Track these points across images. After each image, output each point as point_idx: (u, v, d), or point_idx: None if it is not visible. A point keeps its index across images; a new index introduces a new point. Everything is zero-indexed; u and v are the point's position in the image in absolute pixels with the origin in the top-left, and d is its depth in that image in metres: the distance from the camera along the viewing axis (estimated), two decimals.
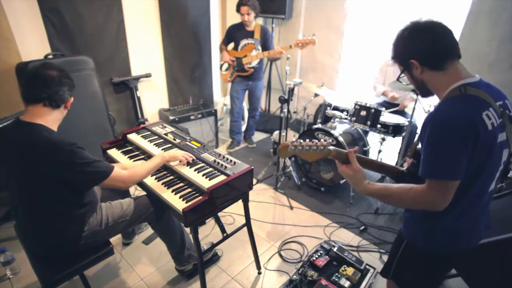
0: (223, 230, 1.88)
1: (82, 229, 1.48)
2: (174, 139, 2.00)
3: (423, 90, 1.13)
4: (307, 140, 1.15)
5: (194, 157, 1.77)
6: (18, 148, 1.30)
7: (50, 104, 1.35)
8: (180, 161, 1.73)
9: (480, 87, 1.01)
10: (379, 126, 2.73)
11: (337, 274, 1.93)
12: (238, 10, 3.23)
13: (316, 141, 1.14)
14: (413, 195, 1.02)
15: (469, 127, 0.93)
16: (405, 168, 1.21)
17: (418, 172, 1.13)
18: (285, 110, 2.71)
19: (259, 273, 2.07)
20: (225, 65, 3.47)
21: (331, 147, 1.14)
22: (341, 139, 2.64)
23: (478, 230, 1.15)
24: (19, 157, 1.30)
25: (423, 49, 1.03)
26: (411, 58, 1.04)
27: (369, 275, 1.96)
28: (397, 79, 1.18)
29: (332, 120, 2.92)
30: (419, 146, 1.14)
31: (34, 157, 1.28)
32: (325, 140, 1.15)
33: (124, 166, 1.72)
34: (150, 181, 1.69)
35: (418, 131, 2.96)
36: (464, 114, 0.94)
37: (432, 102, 2.69)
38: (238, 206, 2.00)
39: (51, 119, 1.37)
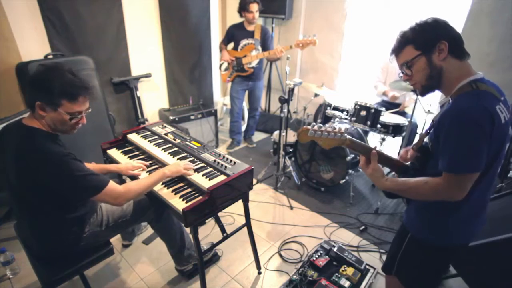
0: (223, 230, 1.88)
1: (82, 230, 1.48)
2: (174, 139, 2.00)
3: (431, 83, 1.09)
4: (327, 125, 1.16)
5: (194, 168, 1.69)
6: (15, 153, 1.27)
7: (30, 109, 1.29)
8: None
9: (486, 83, 1.03)
10: (379, 126, 2.73)
11: (337, 274, 1.93)
12: (244, 9, 3.16)
13: (334, 126, 1.15)
14: (430, 188, 1.04)
15: (488, 120, 0.95)
16: (409, 163, 1.23)
17: (421, 167, 1.14)
18: (285, 110, 2.71)
19: (259, 273, 2.07)
20: (224, 65, 3.47)
21: (347, 136, 1.15)
22: None
23: (480, 223, 1.18)
24: (15, 163, 1.27)
25: (453, 33, 1.04)
26: (442, 39, 1.02)
27: (369, 275, 1.96)
28: (404, 65, 1.11)
29: (332, 120, 2.93)
30: (426, 140, 1.15)
31: (28, 165, 1.24)
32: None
33: (125, 168, 1.73)
34: None
35: (418, 130, 2.98)
36: (482, 107, 0.95)
37: (432, 102, 2.69)
38: (238, 206, 1.99)
39: (45, 123, 1.31)
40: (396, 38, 1.12)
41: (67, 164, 1.26)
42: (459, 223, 1.13)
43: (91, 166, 1.69)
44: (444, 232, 1.15)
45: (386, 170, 1.23)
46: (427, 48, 1.05)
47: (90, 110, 1.39)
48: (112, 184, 1.37)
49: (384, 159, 1.23)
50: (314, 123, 1.16)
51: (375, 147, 1.20)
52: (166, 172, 1.58)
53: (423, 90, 1.13)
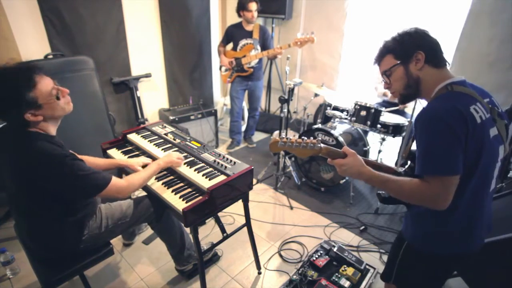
0: (223, 230, 1.88)
1: (81, 233, 1.48)
2: (174, 139, 2.00)
3: (409, 92, 1.12)
4: (296, 137, 1.17)
5: (183, 158, 1.74)
6: (13, 157, 1.25)
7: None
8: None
9: (465, 85, 1.04)
10: (379, 126, 2.73)
11: (337, 274, 1.93)
12: (244, 8, 3.15)
13: (306, 138, 1.14)
14: (413, 185, 1.01)
15: (458, 120, 0.94)
16: (402, 169, 1.21)
17: (414, 173, 1.13)
18: (285, 110, 2.71)
19: (259, 273, 2.07)
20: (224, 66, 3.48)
21: (322, 145, 1.15)
22: (341, 139, 2.64)
23: (479, 230, 1.14)
24: (14, 167, 1.26)
25: (431, 43, 1.07)
26: (419, 49, 1.05)
27: (369, 275, 1.96)
28: (384, 74, 1.14)
29: (332, 120, 2.93)
30: (414, 147, 1.14)
31: (28, 169, 1.23)
32: (324, 140, 1.15)
33: (132, 164, 1.73)
34: (150, 181, 1.68)
35: None
36: (452, 108, 0.96)
37: None
38: (238, 206, 2.00)
39: (41, 125, 1.27)
40: (379, 47, 1.16)
41: (69, 165, 1.25)
42: (454, 231, 1.09)
43: (101, 161, 1.72)
44: (439, 241, 1.13)
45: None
46: (405, 57, 1.08)
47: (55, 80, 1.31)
48: (115, 180, 1.40)
49: (373, 166, 1.20)
50: (283, 136, 1.17)
51: (367, 153, 1.18)
52: (160, 163, 1.65)
53: (401, 98, 1.16)
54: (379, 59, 1.16)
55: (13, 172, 1.28)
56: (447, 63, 1.09)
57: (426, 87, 1.09)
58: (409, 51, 1.07)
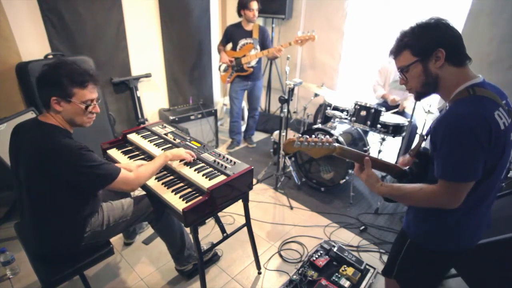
0: (223, 230, 1.88)
1: (84, 230, 1.49)
2: (174, 139, 2.00)
3: (426, 89, 1.08)
4: (313, 136, 1.17)
5: (195, 156, 1.77)
6: (30, 147, 1.32)
7: (44, 106, 1.36)
8: (182, 160, 1.73)
9: (486, 87, 1.01)
10: (379, 126, 2.73)
11: (337, 274, 1.93)
12: (245, 7, 3.15)
13: (322, 137, 1.15)
14: (425, 195, 1.04)
15: (484, 127, 0.92)
16: (407, 168, 1.22)
17: (420, 172, 1.13)
18: (285, 110, 2.71)
19: (259, 273, 2.07)
20: (224, 66, 3.47)
21: (337, 144, 1.15)
22: (341, 139, 2.64)
23: (481, 228, 1.16)
24: (30, 156, 1.32)
25: (452, 39, 1.00)
26: (440, 46, 0.98)
27: (369, 275, 1.96)
28: (401, 72, 1.10)
29: (332, 120, 2.93)
30: (423, 145, 1.14)
31: (43, 157, 1.29)
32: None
33: (128, 167, 1.72)
34: (151, 181, 1.68)
35: (418, 131, 2.98)
36: (478, 115, 0.93)
37: (431, 102, 2.69)
38: (238, 206, 2.00)
39: (62, 119, 1.37)
40: (396, 38, 1.09)
41: (84, 155, 1.33)
42: (457, 227, 1.11)
43: None
44: (442, 237, 1.14)
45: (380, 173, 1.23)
46: (423, 55, 1.02)
47: (100, 100, 1.46)
48: (123, 172, 1.45)
49: (380, 165, 1.21)
50: (300, 135, 1.16)
51: (368, 153, 1.18)
52: (168, 155, 1.67)
53: (417, 95, 1.13)
54: (396, 54, 1.09)
55: (30, 164, 1.33)
56: (468, 60, 1.03)
57: (445, 86, 1.04)
58: (429, 48, 1.00)
